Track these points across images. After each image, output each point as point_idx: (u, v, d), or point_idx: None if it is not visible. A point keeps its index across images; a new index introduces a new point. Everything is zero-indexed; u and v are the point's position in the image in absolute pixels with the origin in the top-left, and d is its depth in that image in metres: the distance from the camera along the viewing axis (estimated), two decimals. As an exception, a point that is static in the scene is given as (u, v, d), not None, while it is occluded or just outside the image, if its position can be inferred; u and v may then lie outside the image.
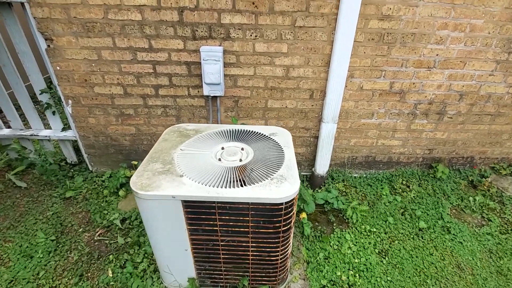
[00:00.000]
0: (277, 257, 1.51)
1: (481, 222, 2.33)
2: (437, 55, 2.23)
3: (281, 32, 2.10)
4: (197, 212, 1.33)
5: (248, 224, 1.37)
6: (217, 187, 1.31)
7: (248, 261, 1.53)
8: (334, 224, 2.25)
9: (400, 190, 2.61)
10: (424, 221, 2.27)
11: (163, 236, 1.45)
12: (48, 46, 2.14)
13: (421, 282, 1.83)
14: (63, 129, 2.69)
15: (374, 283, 1.80)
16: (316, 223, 2.26)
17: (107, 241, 2.07)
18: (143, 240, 2.02)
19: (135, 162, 2.62)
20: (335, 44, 2.08)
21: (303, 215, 2.17)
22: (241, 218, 1.34)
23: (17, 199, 2.43)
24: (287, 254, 1.57)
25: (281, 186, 1.32)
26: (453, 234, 2.17)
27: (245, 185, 1.32)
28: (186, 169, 1.43)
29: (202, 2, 1.98)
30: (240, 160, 1.53)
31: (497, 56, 2.27)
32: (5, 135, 2.65)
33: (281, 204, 1.29)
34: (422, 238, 2.15)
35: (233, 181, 1.34)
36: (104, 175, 2.68)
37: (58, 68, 2.22)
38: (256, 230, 1.39)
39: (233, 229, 1.39)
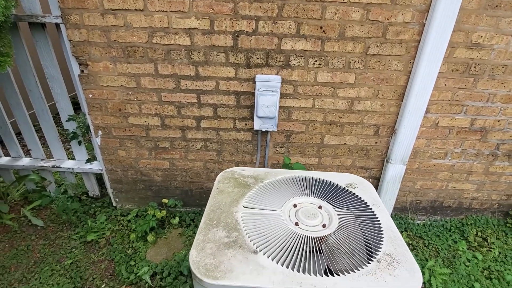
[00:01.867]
0: None
1: None
2: (530, 89, 1.90)
3: (350, 61, 1.80)
4: (280, 306, 0.97)
5: (348, 325, 0.99)
6: (307, 274, 0.95)
7: None
8: (410, 291, 1.84)
9: (476, 244, 2.20)
10: (520, 290, 1.84)
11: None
12: (82, 71, 1.89)
13: None
14: (88, 161, 2.40)
15: None
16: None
17: (135, 305, 1.71)
18: (181, 306, 1.65)
19: (166, 200, 2.30)
20: (416, 75, 1.77)
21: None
22: (340, 317, 0.98)
23: (32, 241, 2.11)
24: None
25: (395, 275, 0.96)
26: None
27: (347, 273, 0.96)
28: (259, 239, 1.08)
29: (262, 26, 1.71)
30: (324, 226, 1.18)
31: None
32: (24, 165, 2.38)
33: (402, 304, 0.92)
34: (526, 316, 1.72)
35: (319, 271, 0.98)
36: (130, 213, 2.36)
37: (90, 96, 1.96)
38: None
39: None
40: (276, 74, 1.86)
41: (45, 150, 2.53)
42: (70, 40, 1.78)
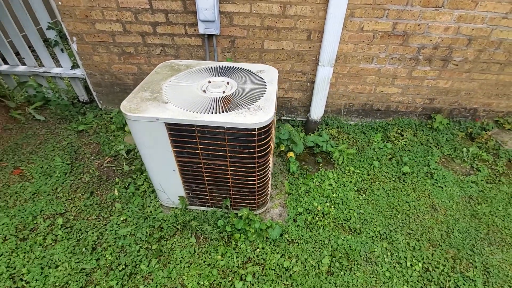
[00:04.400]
0: (254, 181, 1.68)
1: (469, 171, 2.37)
2: (447, -8, 2.06)
3: (278, -36, 2.00)
4: (180, 135, 1.48)
5: (225, 148, 1.51)
6: (198, 113, 1.43)
7: (228, 184, 1.72)
8: (321, 165, 2.38)
9: (394, 138, 2.65)
10: (409, 166, 2.34)
11: (153, 157, 1.63)
12: (48, -21, 2.17)
13: (391, 216, 1.98)
14: (72, 67, 2.85)
15: (347, 214, 1.97)
16: (304, 163, 2.40)
17: (114, 168, 2.34)
18: (144, 168, 2.26)
19: (139, 101, 2.78)
20: (334, -22, 1.97)
21: (291, 154, 2.30)
22: (218, 142, 1.48)
23: (36, 129, 2.72)
24: (265, 180, 1.73)
25: (255, 114, 1.42)
26: (436, 180, 2.25)
27: (223, 112, 1.43)
28: (172, 97, 1.55)
29: None
30: (223, 92, 1.62)
31: (517, -5, 2.07)
32: (21, 71, 2.86)
33: (253, 130, 1.40)
34: (404, 181, 2.25)
35: (214, 109, 1.45)
36: (112, 112, 2.89)
37: (60, 2, 2.28)
38: (233, 154, 1.54)
39: (213, 152, 1.55)
40: (214, -21, 2.08)
41: (38, 62, 2.96)
42: None
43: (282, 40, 2.36)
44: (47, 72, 2.84)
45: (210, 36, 2.36)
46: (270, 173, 1.78)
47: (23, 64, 2.92)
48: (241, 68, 1.86)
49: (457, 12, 2.15)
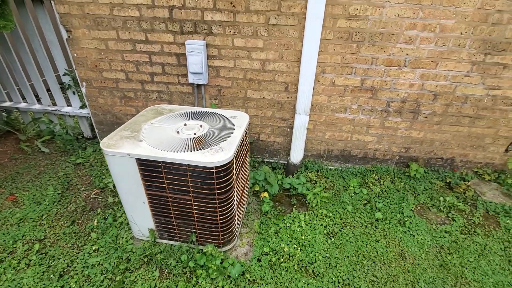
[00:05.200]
0: (217, 218, 1.78)
1: (444, 221, 2.36)
2: (407, 54, 2.32)
3: (257, 29, 2.35)
4: (148, 170, 1.65)
5: (188, 184, 1.65)
6: (166, 151, 1.61)
7: (193, 219, 1.82)
8: (295, 207, 2.44)
9: (371, 184, 2.71)
10: (382, 213, 2.37)
11: (126, 189, 1.79)
12: (68, 36, 2.62)
13: (357, 262, 1.97)
14: (81, 107, 3.21)
15: (312, 257, 1.98)
16: (279, 204, 2.47)
17: (100, 199, 2.49)
18: (126, 200, 2.40)
19: (135, 139, 3.04)
20: (304, 41, 2.28)
21: (265, 194, 2.40)
22: (182, 178, 1.64)
23: (39, 161, 2.98)
24: (228, 217, 1.83)
25: (215, 154, 1.59)
26: (408, 227, 2.25)
27: (191, 151, 1.61)
28: (147, 137, 1.76)
29: (188, 1, 2.30)
30: (194, 134, 1.82)
31: (472, 57, 2.29)
32: (36, 109, 3.25)
33: (211, 168, 1.56)
34: (375, 228, 2.26)
35: (182, 149, 1.63)
36: (109, 148, 3.15)
37: (75, 55, 2.70)
38: (196, 190, 1.67)
39: (178, 187, 1.69)
40: (203, 40, 2.45)
41: (52, 102, 3.36)
42: (58, 12, 2.50)
43: (263, 91, 2.63)
44: (59, 111, 3.21)
45: (199, 85, 2.67)
46: (235, 211, 1.87)
47: (39, 102, 3.32)
48: (216, 113, 2.09)
49: (419, 70, 2.38)
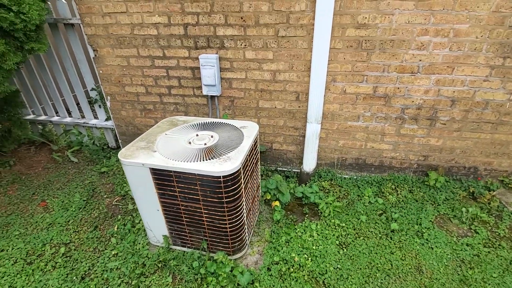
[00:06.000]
0: (226, 225, 1.82)
1: (466, 233, 2.24)
2: (420, 60, 2.27)
3: (266, 42, 2.42)
4: (161, 179, 1.75)
5: (198, 192, 1.72)
6: (177, 161, 1.70)
7: (204, 226, 1.88)
8: (307, 216, 2.43)
9: (388, 193, 2.63)
10: (399, 224, 2.29)
11: (141, 197, 1.90)
12: (95, 55, 2.85)
13: (370, 275, 1.91)
14: (106, 119, 3.44)
15: (323, 267, 1.95)
16: (291, 213, 2.48)
17: (120, 206, 2.64)
18: (144, 208, 2.52)
19: (154, 149, 3.20)
20: (313, 51, 2.31)
21: (276, 203, 2.42)
22: (192, 187, 1.71)
23: (68, 169, 3.22)
24: (238, 225, 1.87)
25: (223, 164, 1.65)
26: (426, 239, 2.16)
27: (201, 161, 1.68)
28: (161, 147, 1.86)
29: (202, 18, 2.43)
30: (205, 144, 1.90)
31: (490, 61, 2.20)
32: (67, 122, 3.53)
33: (219, 177, 1.61)
34: (391, 239, 2.19)
35: (193, 159, 1.72)
36: (131, 157, 3.33)
37: (100, 72, 2.92)
38: (205, 198, 1.74)
39: (188, 196, 1.76)
40: (216, 53, 2.56)
41: (81, 115, 3.64)
42: (86, 34, 2.74)
43: (274, 100, 2.68)
44: (86, 123, 3.46)
45: (212, 97, 2.78)
46: (244, 219, 1.91)
47: (70, 115, 3.61)
48: (227, 124, 2.17)
49: (434, 76, 2.32)
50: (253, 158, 2.03)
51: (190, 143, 1.93)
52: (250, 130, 2.06)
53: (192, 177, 1.67)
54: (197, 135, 2.03)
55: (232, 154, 1.74)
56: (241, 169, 1.72)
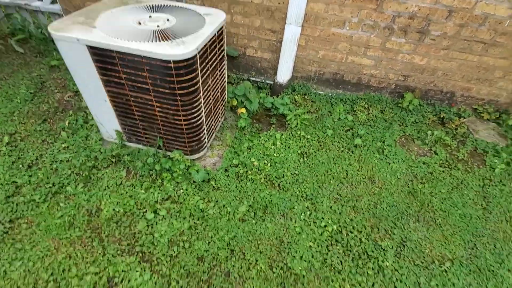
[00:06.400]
0: (181, 123, 1.69)
1: (425, 153, 2.28)
2: (427, -49, 1.88)
3: None
4: (103, 61, 1.49)
5: (147, 81, 1.51)
6: (119, 39, 1.42)
7: (158, 122, 1.74)
8: (273, 126, 2.35)
9: (359, 112, 2.56)
10: (363, 140, 2.27)
11: (84, 83, 1.67)
12: None
13: (324, 181, 1.96)
14: (52, 2, 2.87)
15: (280, 172, 1.97)
16: (258, 122, 2.38)
17: (73, 102, 2.41)
18: (100, 105, 2.31)
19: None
20: None
21: (242, 110, 2.29)
22: (139, 73, 1.49)
23: (13, 59, 2.81)
24: (194, 124, 1.74)
25: (174, 48, 1.40)
26: (385, 155, 2.19)
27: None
28: (102, 24, 1.54)
29: None
30: (158, 26, 1.60)
31: (507, -38, 1.86)
32: (5, 2, 2.92)
33: (169, 62, 1.39)
34: (352, 153, 2.19)
35: (139, 40, 1.44)
36: (87, 53, 2.93)
37: None
38: (156, 89, 1.54)
39: (137, 84, 1.56)
40: None
41: (21, -8, 3.00)
42: None
43: (251, -8, 2.26)
44: (28, 5, 2.89)
45: (177, -21, 2.29)
46: (202, 118, 1.78)
47: (7, -6, 2.97)
48: (189, 9, 1.81)
49: (438, -23, 1.97)
50: (216, 52, 1.77)
51: (140, 23, 1.61)
52: (214, 17, 1.74)
53: (138, 60, 1.43)
54: (150, 16, 1.70)
55: (187, 39, 1.48)
56: (198, 57, 1.48)
